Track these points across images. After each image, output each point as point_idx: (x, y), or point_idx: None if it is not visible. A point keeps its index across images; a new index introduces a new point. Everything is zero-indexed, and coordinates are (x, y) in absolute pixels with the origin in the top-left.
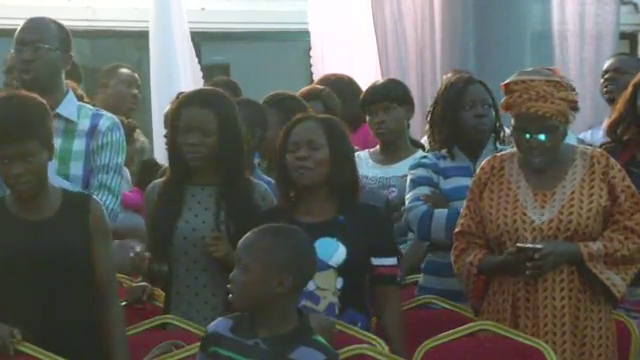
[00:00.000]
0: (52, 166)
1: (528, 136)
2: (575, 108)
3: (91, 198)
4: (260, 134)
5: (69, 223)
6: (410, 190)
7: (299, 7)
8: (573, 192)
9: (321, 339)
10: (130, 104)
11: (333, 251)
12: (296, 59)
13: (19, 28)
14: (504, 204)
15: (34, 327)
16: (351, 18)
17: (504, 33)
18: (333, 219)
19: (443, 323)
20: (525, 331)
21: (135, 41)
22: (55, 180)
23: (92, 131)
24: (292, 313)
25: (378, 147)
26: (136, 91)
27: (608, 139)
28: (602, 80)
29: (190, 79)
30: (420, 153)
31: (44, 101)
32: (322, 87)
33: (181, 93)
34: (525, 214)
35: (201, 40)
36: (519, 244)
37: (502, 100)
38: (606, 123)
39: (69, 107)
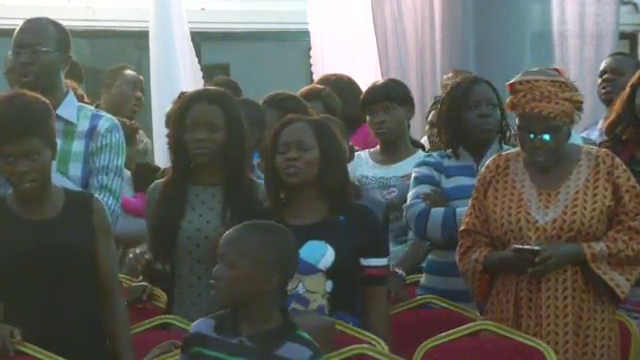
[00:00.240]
0: (53, 166)
1: (532, 136)
2: (580, 109)
3: (94, 197)
4: (259, 134)
5: (73, 223)
6: (412, 188)
7: (299, 7)
8: (577, 192)
9: (305, 335)
10: (133, 106)
11: (321, 254)
12: (296, 59)
13: (17, 30)
14: (508, 203)
15: (38, 327)
16: (351, 18)
17: (504, 33)
18: (322, 221)
19: (443, 323)
20: (528, 331)
21: (135, 41)
22: (57, 178)
23: (91, 132)
24: (275, 310)
25: (378, 147)
26: (140, 94)
27: (603, 139)
28: (599, 80)
29: (190, 79)
30: (420, 153)
31: (47, 100)
32: (322, 87)
33: (183, 93)
34: (529, 214)
35: (201, 40)
36: (516, 245)
37: (507, 100)
38: (602, 123)
39: (69, 108)
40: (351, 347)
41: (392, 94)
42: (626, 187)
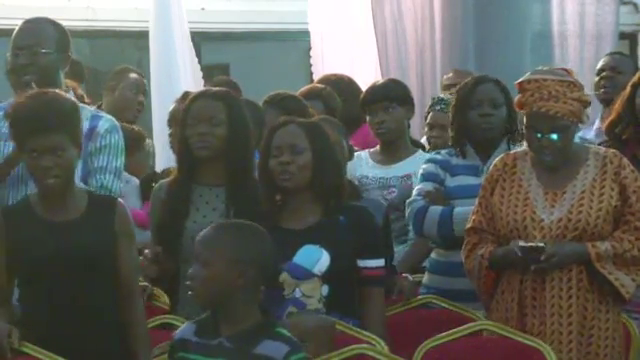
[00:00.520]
0: None
1: (539, 135)
2: (587, 108)
3: (117, 200)
4: (259, 134)
5: (94, 225)
6: (418, 184)
7: (299, 7)
8: (583, 192)
9: (285, 332)
10: (135, 111)
11: (316, 259)
12: (296, 59)
13: (15, 31)
14: (514, 202)
15: (58, 327)
16: (351, 18)
17: (504, 33)
18: (318, 224)
19: (443, 323)
20: (532, 330)
21: (135, 41)
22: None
23: (90, 133)
24: (254, 309)
25: (378, 147)
26: (142, 98)
27: (603, 139)
28: (597, 79)
29: (190, 79)
30: (420, 153)
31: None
32: (323, 86)
33: (187, 92)
34: (535, 212)
35: (201, 40)
36: (521, 243)
37: (516, 98)
38: (598, 123)
39: None
40: (351, 347)
41: (392, 94)
42: (633, 187)
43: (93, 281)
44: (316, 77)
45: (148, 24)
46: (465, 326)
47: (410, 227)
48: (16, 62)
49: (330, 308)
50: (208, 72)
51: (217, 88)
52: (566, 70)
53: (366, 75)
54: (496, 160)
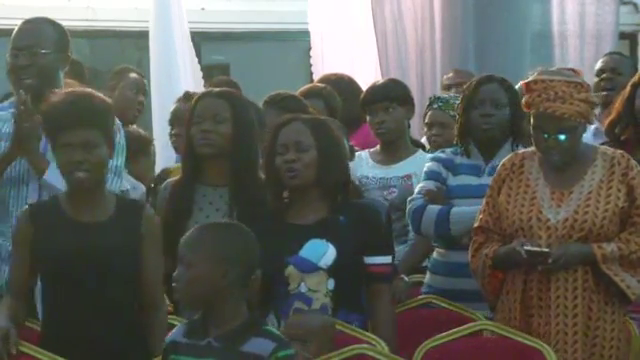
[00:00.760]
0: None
1: (546, 136)
2: (594, 109)
3: (145, 206)
4: (259, 134)
5: (121, 228)
6: (420, 182)
7: (299, 7)
8: (590, 192)
9: (272, 329)
10: (135, 111)
11: (322, 252)
12: (296, 59)
13: (14, 31)
14: (521, 201)
15: (80, 328)
16: (351, 18)
17: (504, 33)
18: (324, 220)
19: (443, 323)
20: (537, 330)
21: (135, 41)
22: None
23: None
24: (241, 307)
25: (378, 147)
26: (142, 98)
27: (604, 140)
28: (597, 80)
29: (190, 79)
30: (421, 153)
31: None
32: (323, 85)
33: (187, 92)
34: (541, 212)
35: (201, 40)
36: (527, 247)
37: (523, 99)
38: (596, 124)
39: None
40: (351, 347)
41: (392, 94)
42: None
43: (114, 282)
44: (316, 77)
45: (148, 24)
46: (465, 326)
47: (409, 224)
48: (15, 63)
49: (337, 302)
50: (208, 72)
51: (224, 88)
52: (573, 70)
53: (366, 75)
54: (504, 159)
